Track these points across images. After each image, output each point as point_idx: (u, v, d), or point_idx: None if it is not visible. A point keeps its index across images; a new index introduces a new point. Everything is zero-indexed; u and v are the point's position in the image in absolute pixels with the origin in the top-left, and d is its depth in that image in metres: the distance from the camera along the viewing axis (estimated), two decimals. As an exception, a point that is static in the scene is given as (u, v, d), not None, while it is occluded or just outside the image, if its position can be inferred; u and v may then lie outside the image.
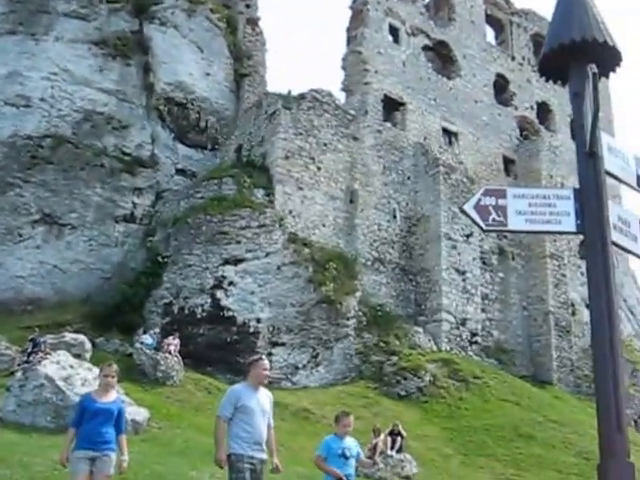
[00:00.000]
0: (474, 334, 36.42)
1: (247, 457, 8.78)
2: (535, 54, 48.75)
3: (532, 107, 48.10)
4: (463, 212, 5.95)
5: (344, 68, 41.00)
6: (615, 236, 5.97)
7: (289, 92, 37.37)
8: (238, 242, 32.17)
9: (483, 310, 37.90)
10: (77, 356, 23.55)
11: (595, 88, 5.76)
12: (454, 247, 37.07)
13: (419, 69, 42.71)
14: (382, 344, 32.53)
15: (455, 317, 35.85)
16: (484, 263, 39.21)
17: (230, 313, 30.92)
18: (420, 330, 34.85)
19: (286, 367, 30.74)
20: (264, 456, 9.01)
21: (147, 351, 27.54)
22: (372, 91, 39.87)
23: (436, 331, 35.22)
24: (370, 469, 19.99)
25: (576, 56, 6.08)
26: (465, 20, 46.48)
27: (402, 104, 41.11)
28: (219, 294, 31.12)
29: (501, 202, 5.88)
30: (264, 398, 9.32)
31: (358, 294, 33.32)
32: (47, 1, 40.98)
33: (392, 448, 23.82)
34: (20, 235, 35.51)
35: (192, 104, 41.18)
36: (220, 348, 30.33)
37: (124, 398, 10.35)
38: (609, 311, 5.61)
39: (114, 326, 30.80)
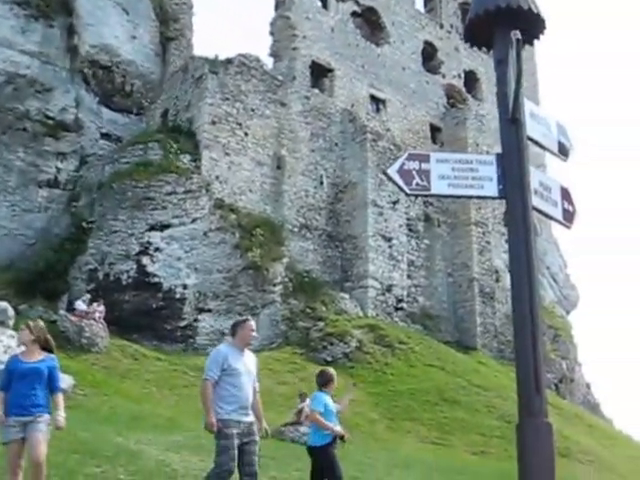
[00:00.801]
0: (400, 300, 36.82)
1: (234, 422, 8.43)
2: (463, 22, 48.96)
3: (460, 75, 48.48)
4: (387, 176, 5.98)
5: (272, 33, 40.69)
6: (536, 201, 6.06)
7: (216, 56, 36.94)
8: (164, 208, 31.88)
9: (409, 276, 38.30)
10: (0, 323, 23.09)
11: (518, 55, 5.81)
12: (381, 214, 37.31)
13: (347, 35, 42.60)
14: (308, 310, 32.68)
15: (381, 283, 36.17)
16: (410, 230, 39.53)
17: (156, 279, 30.71)
18: (346, 296, 35.09)
19: (213, 333, 30.68)
20: (251, 419, 8.68)
21: (72, 318, 27.21)
22: (300, 57, 39.66)
23: (362, 297, 35.50)
24: (296, 433, 20.14)
25: (500, 22, 6.11)
26: (394, -13, 46.43)
27: (330, 70, 41.01)
28: (145, 260, 30.84)
29: (424, 166, 5.91)
30: (250, 360, 8.99)
31: (285, 260, 33.38)
32: (-34, -40, 39.64)
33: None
34: (-61, 200, 34.62)
35: (117, 67, 40.36)
36: (146, 314, 30.13)
37: (54, 356, 9.65)
38: (529, 276, 5.69)
39: (38, 293, 30.31)
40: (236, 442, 8.36)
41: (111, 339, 27.41)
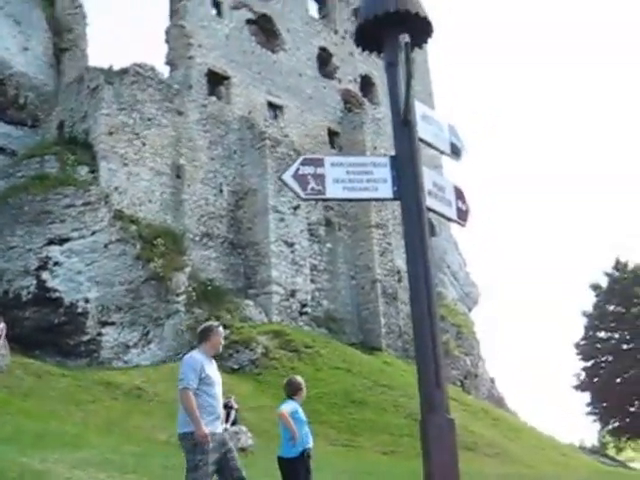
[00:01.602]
0: (304, 305, 36.97)
1: (211, 435, 7.95)
2: (357, 26, 49.51)
3: (355, 80, 48.99)
4: (282, 181, 6.03)
5: (167, 42, 40.40)
6: (430, 201, 6.20)
7: (111, 67, 36.50)
8: (63, 221, 31.25)
9: (312, 281, 38.51)
10: None
11: (408, 58, 5.93)
12: (282, 220, 37.40)
13: (243, 43, 42.59)
14: (213, 319, 32.49)
15: (285, 289, 36.25)
16: (312, 234, 39.75)
17: (57, 294, 30.10)
18: (251, 303, 35.06)
19: (117, 346, 30.28)
20: (222, 428, 8.36)
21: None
22: (196, 65, 39.48)
23: (266, 303, 35.52)
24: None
25: (389, 26, 6.24)
26: (288, -6, 46.65)
27: (226, 78, 40.93)
28: (44, 275, 30.19)
29: (319, 171, 5.97)
30: (215, 367, 8.56)
31: (187, 269, 33.16)
32: None
33: (226, 421, 23.93)
34: None
35: (10, 80, 39.36)
36: (48, 330, 29.53)
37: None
38: (426, 274, 5.80)
39: None
40: (212, 457, 7.94)
41: (12, 357, 26.68)
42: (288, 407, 10.06)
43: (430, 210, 6.24)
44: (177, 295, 31.90)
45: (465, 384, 41.45)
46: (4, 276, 30.29)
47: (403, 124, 6.05)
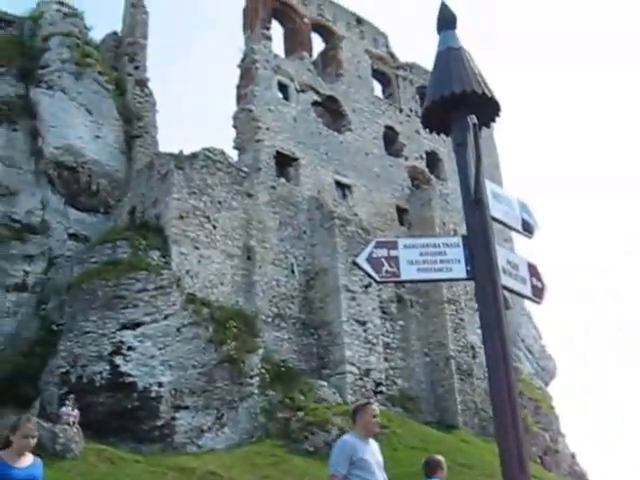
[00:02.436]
0: (378, 384, 36.54)
1: None
2: (422, 105, 49.88)
3: (422, 157, 49.23)
4: (357, 265, 6.01)
5: (235, 126, 41.21)
6: (505, 280, 6.11)
7: (181, 152, 37.23)
8: (135, 306, 31.58)
9: (386, 359, 38.13)
10: (-30, 434, 22.59)
11: (476, 138, 5.91)
12: (353, 298, 37.29)
13: (310, 124, 43.24)
14: (287, 400, 32.31)
15: (358, 368, 35.92)
16: (384, 312, 39.54)
17: (130, 379, 30.18)
18: (324, 384, 34.78)
19: (191, 431, 30.17)
20: None
21: (44, 424, 26.65)
22: (264, 148, 40.11)
23: (341, 383, 35.19)
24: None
25: (457, 108, 6.26)
26: (352, 75, 47.45)
27: (295, 159, 41.46)
28: (118, 360, 30.37)
29: (393, 253, 5.95)
30: (376, 449, 8.24)
31: (260, 351, 33.10)
32: None
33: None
34: None
35: (82, 167, 40.50)
36: (121, 416, 29.58)
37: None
38: (503, 353, 5.70)
39: (8, 399, 29.72)
40: None
41: (86, 443, 26.79)
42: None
43: (505, 289, 6.16)
44: (250, 377, 31.79)
45: (545, 461, 40.33)
46: (78, 361, 30.57)
47: (474, 203, 6.01)
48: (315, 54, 47.98)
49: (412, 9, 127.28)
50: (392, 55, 51.52)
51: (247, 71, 42.35)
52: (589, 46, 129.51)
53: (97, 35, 48.68)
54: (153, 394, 30.17)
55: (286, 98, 43.24)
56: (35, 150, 40.49)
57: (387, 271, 5.87)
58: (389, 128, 48.17)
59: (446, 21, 6.81)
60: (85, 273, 33.51)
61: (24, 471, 7.82)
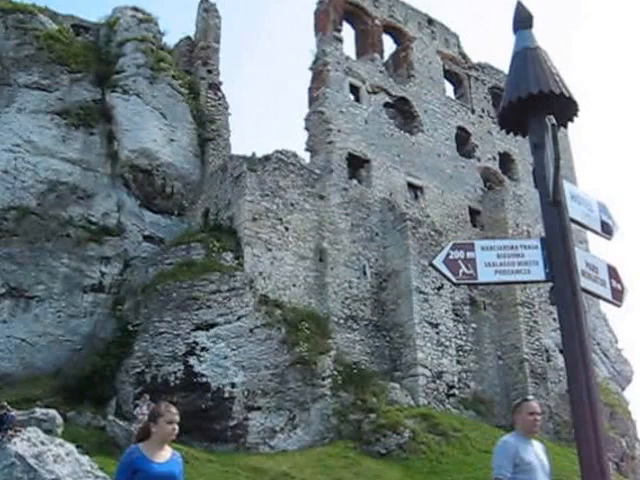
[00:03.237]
0: (451, 387, 36.26)
1: None
2: (494, 106, 49.58)
3: (494, 158, 48.72)
4: (433, 267, 5.98)
5: (307, 128, 41.36)
6: (584, 282, 6.03)
7: (253, 154, 37.51)
8: (209, 307, 31.93)
9: (458, 362, 37.82)
10: (48, 432, 23.07)
11: (555, 139, 5.83)
12: (426, 300, 37.08)
13: (381, 126, 43.16)
14: (359, 402, 32.25)
15: (431, 370, 35.71)
16: (456, 315, 39.23)
17: (204, 379, 30.52)
18: (397, 386, 34.66)
19: (263, 431, 30.35)
20: None
21: (120, 423, 27.12)
22: (336, 150, 40.16)
23: (413, 386, 35.03)
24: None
25: (534, 108, 6.18)
26: (424, 76, 47.22)
27: (366, 161, 41.43)
28: (192, 360, 30.74)
29: (470, 255, 5.91)
30: (540, 450, 7.72)
31: (332, 353, 33.13)
32: (8, 73, 41.11)
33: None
34: (-14, 310, 35.06)
35: (157, 170, 41.16)
36: (195, 415, 29.83)
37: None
38: (583, 357, 5.63)
39: (86, 399, 30.32)
40: None
41: (161, 442, 27.11)
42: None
43: (584, 291, 6.06)
44: (323, 379, 31.84)
45: (621, 467, 39.51)
46: (153, 362, 31.01)
47: (552, 205, 5.93)
48: (386, 55, 47.89)
49: (483, 9, 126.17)
50: (464, 55, 51.14)
51: (319, 73, 42.47)
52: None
53: (171, 40, 49.65)
54: (226, 394, 30.45)
55: (358, 100, 43.25)
56: (111, 153, 41.29)
57: (464, 273, 5.83)
58: (461, 129, 47.83)
59: (522, 21, 6.73)
60: (160, 274, 34.00)
61: (164, 467, 7.02)
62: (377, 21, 46.62)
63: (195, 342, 31.11)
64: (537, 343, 40.68)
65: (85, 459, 20.25)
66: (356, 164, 41.15)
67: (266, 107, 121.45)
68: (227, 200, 36.90)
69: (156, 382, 30.52)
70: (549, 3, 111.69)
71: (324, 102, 41.19)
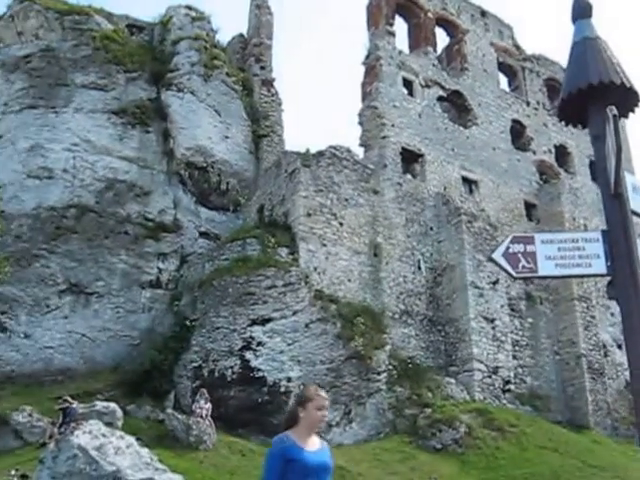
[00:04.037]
0: (507, 382, 36.01)
1: None
2: (549, 98, 49.06)
3: (550, 150, 48.18)
4: (492, 261, 5.97)
5: (361, 123, 41.32)
6: (646, 276, 5.94)
7: (307, 150, 37.56)
8: (265, 302, 32.12)
9: (514, 357, 37.54)
10: (109, 425, 23.38)
11: (616, 130, 5.78)
12: (481, 295, 36.86)
13: (435, 120, 42.98)
14: (415, 397, 32.22)
15: (487, 366, 35.50)
16: (512, 309, 38.95)
17: (260, 374, 30.75)
18: (452, 381, 34.54)
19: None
20: None
21: (179, 416, 27.48)
22: (390, 144, 40.09)
23: (468, 381, 34.87)
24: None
25: (594, 99, 6.13)
26: (478, 69, 46.88)
27: (420, 155, 41.30)
28: (248, 355, 30.99)
29: (530, 248, 5.89)
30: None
31: (388, 348, 33.11)
32: (65, 74, 41.78)
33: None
34: (48, 306, 35.72)
35: (212, 167, 41.51)
36: (252, 410, 30.14)
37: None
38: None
39: (144, 392, 30.81)
40: None
41: (218, 436, 27.43)
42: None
43: (647, 285, 5.97)
44: (378, 374, 31.85)
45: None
46: (210, 356, 31.33)
47: (614, 197, 5.88)
48: (439, 49, 47.63)
49: None
50: (518, 47, 50.61)
51: (371, 68, 42.41)
52: None
53: (224, 37, 50.04)
54: (282, 389, 30.62)
55: (411, 94, 43.08)
56: (167, 151, 41.75)
57: (524, 267, 5.81)
58: (516, 122, 47.39)
59: (581, 10, 6.67)
60: (216, 270, 34.30)
61: (319, 456, 6.37)
62: (430, 14, 46.39)
63: (251, 337, 31.34)
64: (594, 338, 40.22)
65: (145, 451, 20.43)
66: (410, 158, 41.04)
67: (319, 103, 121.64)
68: (282, 196, 37.05)
69: (213, 376, 30.85)
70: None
71: (377, 97, 41.12)
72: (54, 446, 19.81)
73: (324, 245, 35.14)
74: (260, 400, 30.37)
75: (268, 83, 46.93)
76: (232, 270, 33.34)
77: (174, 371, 31.65)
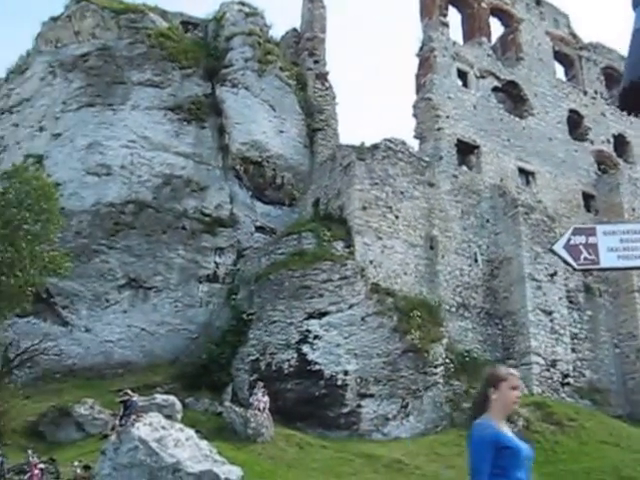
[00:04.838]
0: (565, 375, 35.62)
1: None
2: (607, 87, 48.28)
3: (608, 140, 47.39)
4: (554, 253, 5.91)
5: (415, 115, 41.14)
6: None
7: (362, 143, 37.53)
8: (321, 295, 32.23)
9: (573, 350, 37.11)
10: (168, 417, 23.70)
11: (681, 119, 5.69)
12: (539, 288, 36.49)
13: (491, 111, 42.60)
14: (472, 390, 31.96)
15: (545, 359, 35.15)
16: (571, 302, 38.48)
17: (317, 367, 30.87)
18: (510, 374, 34.21)
19: (376, 418, 30.49)
20: None
21: (237, 409, 27.73)
22: (445, 136, 39.86)
23: (526, 374, 34.52)
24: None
25: (657, 88, 6.00)
26: (533, 58, 46.31)
27: (476, 147, 40.99)
28: (305, 348, 31.13)
29: (591, 240, 5.81)
30: None
31: (444, 341, 32.94)
32: (122, 72, 42.40)
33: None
34: (107, 300, 36.34)
35: (267, 162, 41.71)
36: (309, 402, 30.29)
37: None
38: None
39: (203, 385, 31.16)
40: None
41: (275, 428, 27.61)
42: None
43: None
44: (435, 367, 31.69)
45: None
46: (267, 349, 31.56)
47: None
48: (494, 38, 47.18)
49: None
50: (574, 36, 49.85)
51: (426, 60, 42.17)
52: None
53: (277, 32, 50.03)
54: (339, 382, 30.71)
55: (465, 85, 42.76)
56: (222, 146, 42.11)
57: (586, 258, 5.75)
58: (573, 112, 46.70)
59: (643, -4, 6.53)
60: (272, 264, 34.51)
61: (524, 444, 5.75)
62: (484, 4, 45.94)
63: (308, 330, 31.48)
64: (655, 331, 39.55)
65: (204, 444, 20.74)
66: (465, 150, 40.77)
67: (373, 96, 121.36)
68: (337, 189, 37.07)
69: (270, 370, 31.08)
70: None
71: (432, 88, 40.89)
72: (115, 438, 20.20)
73: (380, 238, 35.10)
74: (317, 393, 30.52)
75: (322, 77, 46.94)
76: (288, 264, 33.50)
77: (232, 364, 31.96)
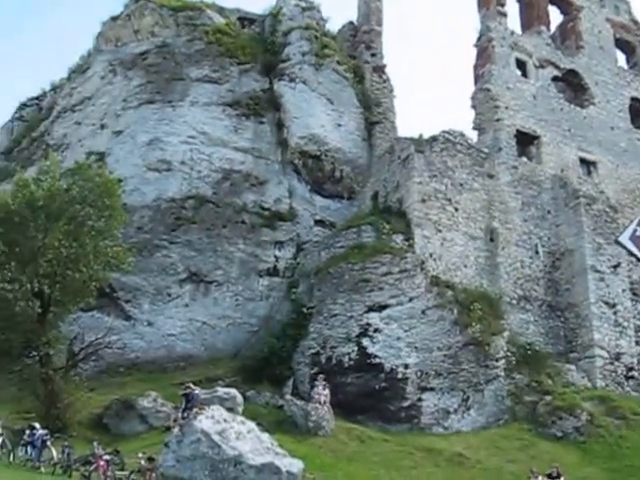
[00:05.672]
0: (630, 368, 35.08)
1: None
2: (670, 74, 47.35)
3: (674, 129, 46.47)
4: (619, 244, 5.87)
5: (474, 107, 40.84)
6: None
7: (420, 136, 37.37)
8: (381, 289, 32.20)
9: (637, 343, 36.48)
10: (230, 410, 23.90)
11: None
12: (602, 279, 35.98)
13: (550, 100, 42.10)
14: (534, 384, 31.71)
15: (608, 352, 34.67)
16: (635, 294, 37.87)
17: (377, 360, 30.88)
18: (573, 367, 33.86)
19: (437, 412, 30.40)
20: None
21: (297, 402, 27.87)
22: (504, 127, 39.51)
23: (590, 367, 34.13)
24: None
25: None
26: (594, 46, 45.63)
27: (536, 137, 40.55)
28: (365, 342, 31.14)
29: (657, 232, 5.73)
30: None
31: (506, 334, 32.69)
32: (181, 69, 42.83)
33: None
34: (169, 294, 36.74)
35: (326, 155, 41.75)
36: (369, 396, 30.31)
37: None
38: None
39: (264, 378, 31.35)
40: None
41: (336, 422, 27.67)
42: None
43: None
44: (496, 360, 31.46)
45: None
46: (327, 343, 31.63)
47: None
48: (553, 27, 46.58)
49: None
50: (636, 22, 48.97)
51: (484, 50, 41.83)
52: None
53: (334, 26, 50.01)
54: (400, 375, 30.69)
55: (525, 75, 42.32)
56: (281, 141, 42.27)
57: (652, 250, 5.66)
58: (636, 100, 45.90)
59: None
60: (332, 258, 34.57)
61: None
62: (542, -8, 45.42)
63: (368, 323, 31.49)
64: None
65: (265, 436, 20.91)
66: (525, 141, 40.36)
67: (431, 88, 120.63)
68: (396, 182, 36.97)
69: (331, 363, 31.18)
70: None
71: (490, 79, 40.57)
72: (178, 430, 20.46)
73: (439, 231, 34.95)
74: (377, 387, 30.54)
75: (379, 70, 46.84)
76: (348, 257, 33.55)
77: (292, 358, 32.12)
